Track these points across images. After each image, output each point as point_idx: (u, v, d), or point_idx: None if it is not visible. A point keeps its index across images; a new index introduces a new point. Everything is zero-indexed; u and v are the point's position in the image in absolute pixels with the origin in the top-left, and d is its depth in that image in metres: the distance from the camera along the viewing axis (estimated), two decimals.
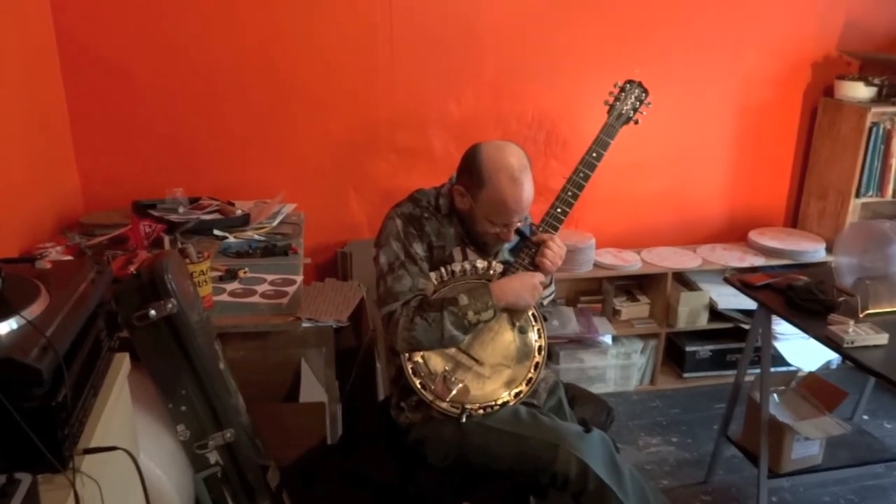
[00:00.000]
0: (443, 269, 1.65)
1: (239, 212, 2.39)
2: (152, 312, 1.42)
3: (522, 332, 1.65)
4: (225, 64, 2.55)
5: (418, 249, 1.63)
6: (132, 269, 1.57)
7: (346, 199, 2.80)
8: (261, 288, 1.95)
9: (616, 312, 2.99)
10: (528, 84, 2.80)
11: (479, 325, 1.60)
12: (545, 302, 1.75)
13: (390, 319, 1.58)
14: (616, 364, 2.93)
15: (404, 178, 2.75)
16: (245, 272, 2.02)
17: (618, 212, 3.03)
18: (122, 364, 1.24)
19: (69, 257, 1.92)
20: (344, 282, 2.62)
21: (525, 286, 1.61)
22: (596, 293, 3.06)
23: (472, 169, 1.59)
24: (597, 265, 2.87)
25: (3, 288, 0.95)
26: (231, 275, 2.00)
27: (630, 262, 2.88)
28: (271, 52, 2.57)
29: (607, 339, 2.89)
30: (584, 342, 2.89)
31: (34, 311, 0.96)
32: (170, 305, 1.44)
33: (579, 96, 2.81)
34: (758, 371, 2.19)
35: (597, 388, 2.88)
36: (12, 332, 0.92)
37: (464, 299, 1.57)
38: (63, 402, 0.92)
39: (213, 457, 1.55)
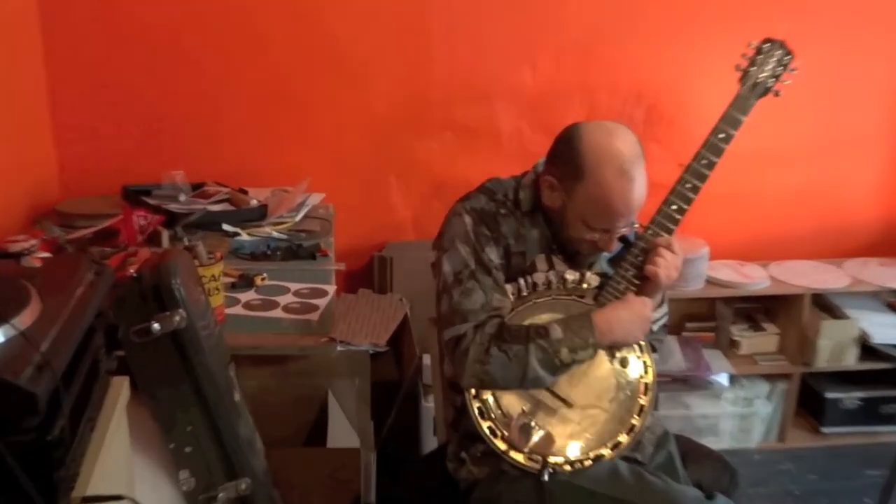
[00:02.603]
0: (521, 281, 1.64)
1: (254, 202, 2.41)
2: (156, 326, 1.43)
3: (624, 365, 1.63)
4: (237, 15, 2.58)
5: (492, 255, 1.62)
6: (131, 270, 1.59)
7: (387, 190, 2.81)
8: (283, 299, 1.96)
9: (734, 344, 2.95)
10: (624, 46, 2.78)
11: (573, 365, 1.58)
12: (655, 327, 1.73)
13: (457, 346, 1.58)
14: (733, 413, 2.89)
15: (462, 164, 2.76)
16: (263, 279, 2.04)
17: (739, 213, 2.98)
18: (122, 390, 1.26)
19: (46, 254, 1.96)
20: (382, 295, 2.63)
21: (636, 318, 1.60)
22: (707, 319, 3.03)
23: (568, 155, 1.58)
24: (709, 282, 2.84)
25: None
26: (246, 282, 2.02)
27: (754, 278, 2.83)
28: (297, 0, 2.60)
29: (722, 379, 2.86)
30: (690, 382, 2.86)
31: (25, 320, 0.97)
32: (177, 318, 1.44)
33: (691, 62, 2.78)
34: None
35: (707, 444, 2.81)
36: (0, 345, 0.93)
37: (557, 332, 1.56)
38: (60, 437, 0.93)
39: None
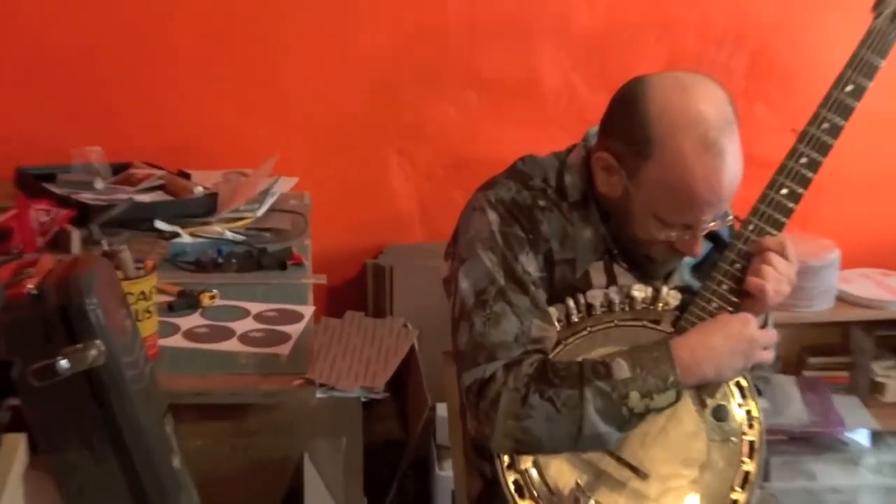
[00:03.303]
0: (570, 302, 1.64)
1: (199, 189, 2.43)
2: (63, 363, 1.45)
3: (719, 417, 1.62)
4: None
5: (529, 266, 1.62)
6: (29, 285, 1.61)
7: (385, 172, 2.84)
8: (241, 326, 1.98)
9: (877, 388, 2.95)
10: None
11: (647, 416, 1.58)
12: None
13: (482, 394, 1.57)
14: (877, 485, 2.88)
15: (490, 133, 2.78)
16: (212, 297, 2.05)
17: (881, 203, 3.00)
18: (17, 452, 1.27)
19: None
20: (379, 319, 2.64)
21: (735, 342, 1.58)
22: (839, 352, 3.04)
23: (630, 123, 1.57)
24: (841, 299, 2.85)
25: None
26: (188, 301, 2.03)
27: None
28: None
29: (861, 437, 2.86)
30: (815, 442, 2.86)
31: None
32: (93, 352, 1.46)
33: None
34: None
35: None
36: None
37: (623, 369, 1.55)
38: None
39: None
